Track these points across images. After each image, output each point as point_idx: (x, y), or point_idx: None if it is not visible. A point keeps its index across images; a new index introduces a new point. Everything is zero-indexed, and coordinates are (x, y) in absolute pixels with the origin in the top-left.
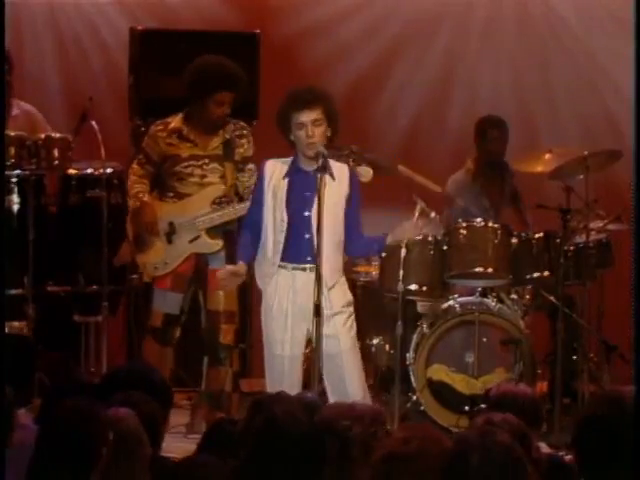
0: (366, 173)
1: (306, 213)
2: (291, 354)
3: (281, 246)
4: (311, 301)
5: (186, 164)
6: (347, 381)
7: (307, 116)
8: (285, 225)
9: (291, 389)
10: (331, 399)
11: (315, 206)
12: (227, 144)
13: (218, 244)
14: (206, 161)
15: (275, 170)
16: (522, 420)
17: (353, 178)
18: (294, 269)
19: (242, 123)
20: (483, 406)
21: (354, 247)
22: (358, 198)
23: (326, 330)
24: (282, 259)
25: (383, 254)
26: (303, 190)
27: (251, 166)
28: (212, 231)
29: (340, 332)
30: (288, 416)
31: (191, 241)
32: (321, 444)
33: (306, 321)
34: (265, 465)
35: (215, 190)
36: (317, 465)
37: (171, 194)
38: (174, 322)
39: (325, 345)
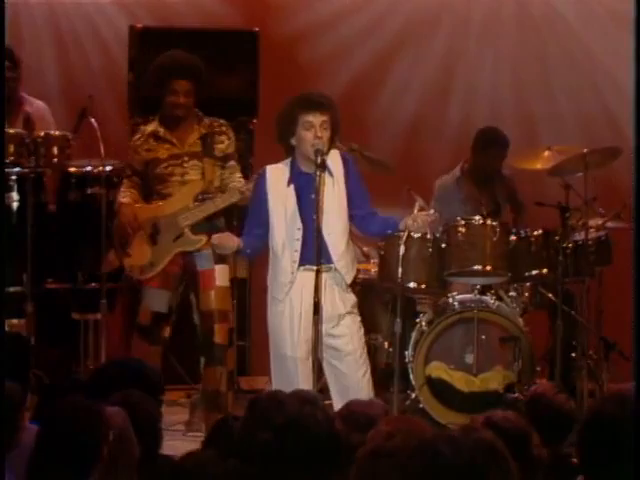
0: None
1: (314, 216)
2: (305, 355)
3: (297, 254)
4: (333, 301)
5: (166, 164)
6: (356, 381)
7: (317, 118)
8: (300, 232)
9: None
10: (335, 398)
11: (320, 207)
12: (204, 140)
13: (202, 240)
14: (185, 158)
15: (278, 176)
16: (553, 426)
17: (346, 161)
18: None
19: (221, 120)
20: (515, 395)
21: (371, 225)
22: (357, 177)
23: (338, 331)
24: (301, 264)
25: (381, 252)
26: (309, 193)
27: (232, 163)
28: (196, 228)
29: (353, 332)
30: (310, 416)
31: (175, 239)
32: (340, 442)
33: (325, 322)
34: (287, 465)
35: (195, 186)
36: (336, 464)
37: (156, 197)
38: (162, 321)
39: (337, 345)
